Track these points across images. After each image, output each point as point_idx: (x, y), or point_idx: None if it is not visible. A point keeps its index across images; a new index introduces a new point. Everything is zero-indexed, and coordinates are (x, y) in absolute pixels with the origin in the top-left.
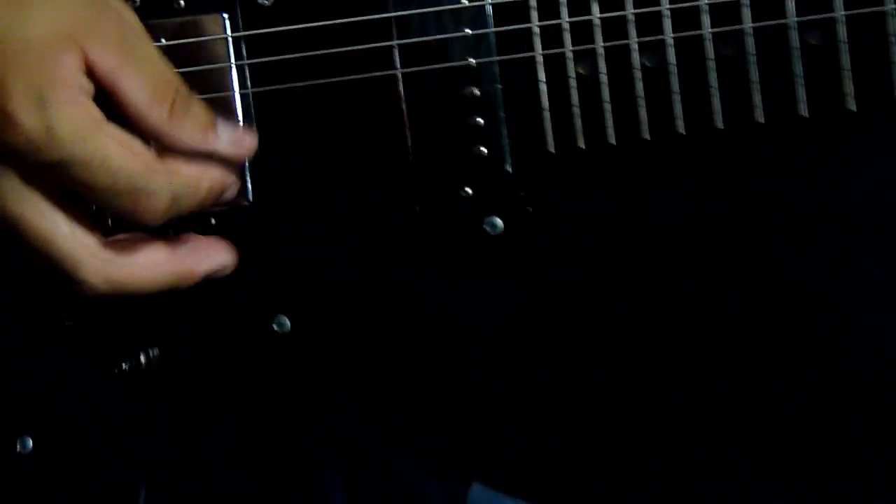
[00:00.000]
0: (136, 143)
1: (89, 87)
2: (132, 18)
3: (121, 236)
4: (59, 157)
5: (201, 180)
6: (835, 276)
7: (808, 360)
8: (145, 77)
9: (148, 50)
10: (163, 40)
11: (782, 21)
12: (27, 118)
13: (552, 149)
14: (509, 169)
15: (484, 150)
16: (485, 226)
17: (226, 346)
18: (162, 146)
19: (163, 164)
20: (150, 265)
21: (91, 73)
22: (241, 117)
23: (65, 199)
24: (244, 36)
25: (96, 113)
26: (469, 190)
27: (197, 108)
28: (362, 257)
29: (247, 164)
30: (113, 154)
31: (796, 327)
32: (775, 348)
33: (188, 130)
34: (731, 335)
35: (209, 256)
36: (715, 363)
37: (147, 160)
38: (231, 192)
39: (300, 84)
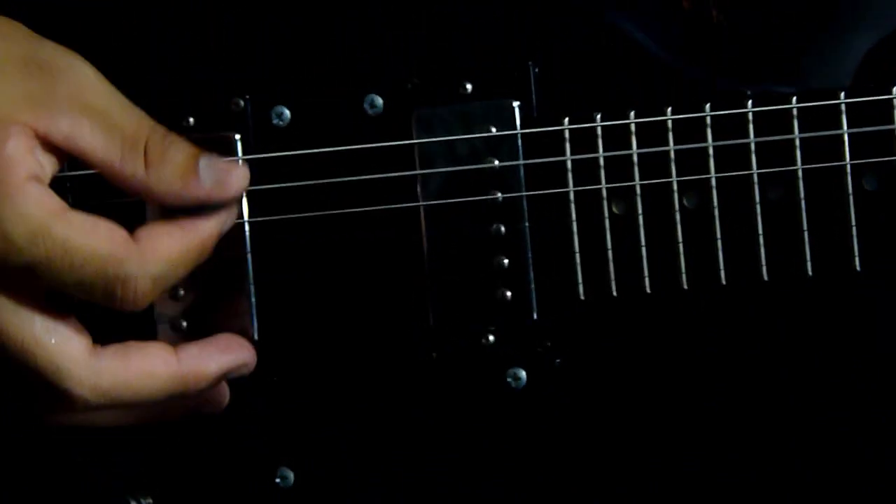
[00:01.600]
0: (101, 228)
1: (47, 165)
2: (85, 71)
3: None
4: (20, 262)
5: (188, 251)
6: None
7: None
8: (110, 130)
9: (107, 100)
10: None
11: (837, 164)
12: None
13: (582, 295)
14: (535, 316)
15: (508, 293)
16: (507, 378)
17: (223, 500)
18: (147, 200)
19: (135, 246)
20: (147, 372)
21: (49, 144)
22: (249, 247)
23: (45, 301)
24: (256, 159)
25: (52, 203)
26: (491, 338)
27: (174, 152)
28: (374, 407)
29: (253, 300)
30: (75, 246)
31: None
32: None
33: (166, 179)
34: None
35: (221, 355)
36: None
37: (115, 245)
38: (228, 223)
39: (314, 214)
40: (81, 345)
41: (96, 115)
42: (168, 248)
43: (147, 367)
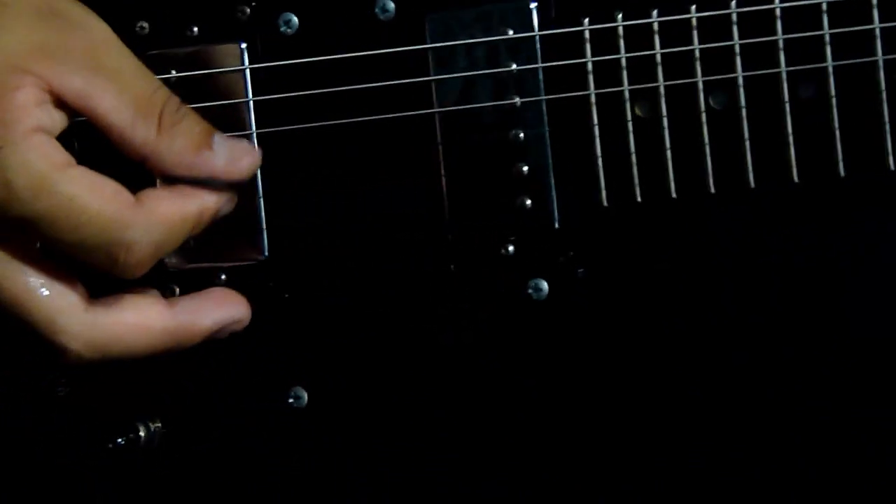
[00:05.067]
0: (108, 188)
1: (56, 120)
2: (101, 29)
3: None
4: (21, 213)
5: (187, 220)
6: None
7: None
8: (123, 93)
9: (124, 62)
10: (173, 71)
11: (868, 59)
12: None
13: (605, 202)
14: (556, 224)
15: (528, 201)
16: (528, 289)
17: (236, 421)
18: (152, 168)
19: (140, 211)
20: (141, 326)
21: (59, 100)
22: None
23: (40, 254)
24: (263, 68)
25: (59, 156)
26: (511, 248)
27: (189, 122)
28: (389, 322)
29: (262, 215)
30: (81, 205)
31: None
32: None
33: (179, 149)
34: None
35: (214, 309)
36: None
37: (120, 208)
38: (226, 209)
39: (325, 123)
40: (76, 298)
41: (111, 75)
42: (170, 214)
43: (141, 322)
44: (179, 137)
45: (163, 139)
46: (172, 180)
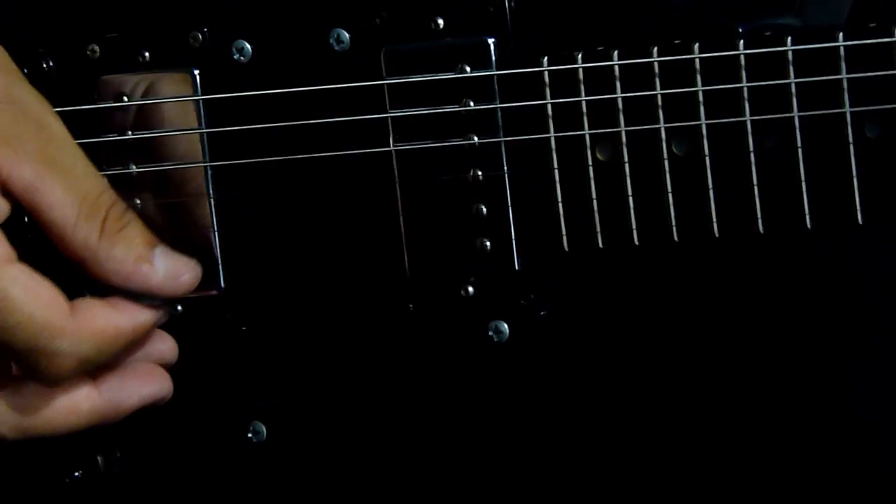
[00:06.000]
0: (44, 293)
1: (1, 209)
2: (56, 125)
3: None
4: None
5: (119, 337)
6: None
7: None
8: (71, 190)
9: (75, 160)
10: (125, 98)
11: (840, 111)
12: None
13: (567, 247)
14: (517, 266)
15: (488, 243)
16: (489, 331)
17: (195, 455)
18: (88, 271)
19: (72, 321)
20: (69, 409)
21: (5, 189)
22: (212, 191)
23: None
24: (217, 98)
25: (1, 250)
26: (471, 289)
27: (132, 231)
28: (348, 359)
29: (217, 247)
30: (13, 306)
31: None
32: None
33: (118, 257)
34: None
35: (140, 387)
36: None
37: (52, 316)
38: (161, 321)
39: (280, 158)
40: (2, 382)
41: (61, 171)
42: (102, 329)
43: (70, 405)
44: (120, 246)
45: (103, 245)
46: (107, 287)
